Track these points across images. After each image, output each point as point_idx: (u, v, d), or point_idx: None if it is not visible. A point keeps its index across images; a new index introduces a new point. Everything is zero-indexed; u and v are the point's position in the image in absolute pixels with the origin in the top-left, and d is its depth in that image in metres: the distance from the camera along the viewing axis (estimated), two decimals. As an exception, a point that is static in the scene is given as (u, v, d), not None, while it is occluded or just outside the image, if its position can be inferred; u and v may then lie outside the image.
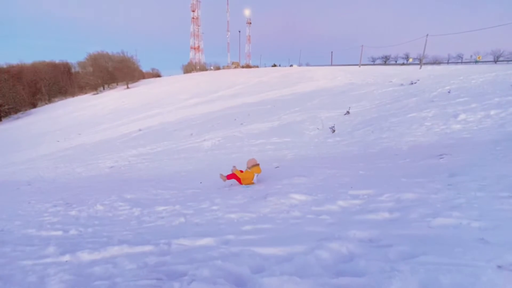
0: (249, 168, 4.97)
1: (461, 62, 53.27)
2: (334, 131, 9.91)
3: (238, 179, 5.11)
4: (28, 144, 23.19)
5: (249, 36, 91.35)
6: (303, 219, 2.89)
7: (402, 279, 1.56)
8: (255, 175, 5.02)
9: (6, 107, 51.87)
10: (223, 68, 75.35)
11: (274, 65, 75.71)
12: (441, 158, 4.84)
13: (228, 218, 3.31)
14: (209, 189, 5.50)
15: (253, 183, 5.06)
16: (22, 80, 59.30)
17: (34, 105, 58.51)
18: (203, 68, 76.77)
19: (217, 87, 35.06)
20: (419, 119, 8.65)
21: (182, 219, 3.53)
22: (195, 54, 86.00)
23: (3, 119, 50.46)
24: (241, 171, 5.12)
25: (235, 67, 74.96)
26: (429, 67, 31.39)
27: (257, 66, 76.08)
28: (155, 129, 18.56)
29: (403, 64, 54.29)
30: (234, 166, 5.34)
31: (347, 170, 4.96)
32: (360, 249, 2.04)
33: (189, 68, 76.12)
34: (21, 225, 4.67)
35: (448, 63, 53.97)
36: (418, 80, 17.33)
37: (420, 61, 35.73)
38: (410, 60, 58.31)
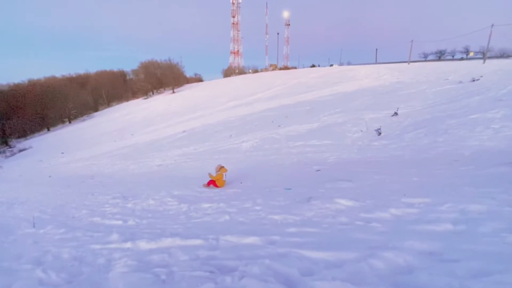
0: (218, 171, 6.27)
1: (538, 54, 45.24)
2: (380, 133, 9.27)
3: (214, 183, 6.19)
4: (91, 143, 26.47)
5: (288, 37, 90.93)
6: (351, 225, 2.77)
7: (476, 299, 1.39)
8: (224, 174, 6.24)
9: (74, 111, 60.08)
10: (261, 70, 76.20)
11: (313, 66, 73.94)
12: (515, 165, 4.19)
13: (272, 219, 3.33)
14: (250, 189, 5.61)
15: (224, 181, 6.25)
16: (87, 87, 68.11)
17: (96, 109, 66.68)
18: (241, 71, 78.71)
19: (255, 89, 35.61)
20: (484, 121, 7.61)
21: (227, 217, 3.66)
22: (234, 58, 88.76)
23: (72, 121, 58.53)
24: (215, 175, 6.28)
25: (272, 69, 75.25)
26: (495, 61, 27.40)
27: (295, 68, 75.14)
28: (197, 130, 19.60)
29: (461, 59, 48.20)
30: (209, 173, 6.44)
31: (398, 176, 4.60)
32: (420, 261, 1.88)
33: (229, 72, 78.73)
34: (88, 214, 5.36)
35: (519, 56, 46.36)
36: (481, 76, 15.27)
37: (484, 55, 31.40)
38: (471, 54, 51.51)
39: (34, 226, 4.54)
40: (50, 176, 13.67)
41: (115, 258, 2.64)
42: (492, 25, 30.61)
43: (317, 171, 6.32)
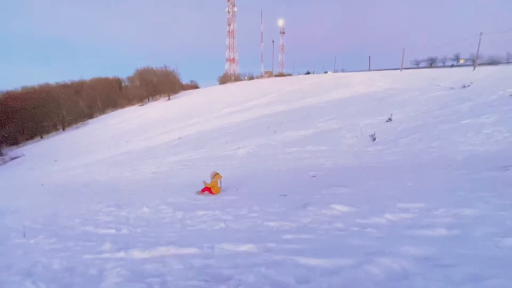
0: (212, 178, 6.25)
1: (525, 61, 46.66)
2: (374, 139, 9.36)
3: (209, 190, 6.21)
4: (85, 150, 26.11)
5: (283, 45, 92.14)
6: (347, 231, 2.76)
7: (472, 304, 1.39)
8: (218, 181, 6.26)
9: (69, 118, 59.47)
10: (257, 77, 76.74)
11: (308, 73, 74.81)
12: (506, 170, 4.26)
13: (268, 226, 3.30)
14: (245, 196, 5.58)
15: (220, 188, 6.27)
16: (82, 94, 67.69)
17: (91, 116, 66.07)
18: (237, 78, 79.10)
19: (251, 96, 35.76)
20: (476, 126, 7.75)
21: (223, 224, 3.62)
22: (230, 65, 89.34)
23: (66, 129, 57.83)
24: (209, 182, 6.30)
25: (268, 76, 75.85)
26: (485, 68, 28.12)
27: (290, 74, 75.91)
28: (193, 137, 19.51)
29: (452, 66, 49.43)
30: (204, 181, 6.44)
31: (393, 181, 4.63)
32: (415, 266, 1.87)
33: (225, 79, 78.95)
34: (80, 223, 5.24)
35: (507, 63, 47.74)
36: (472, 82, 15.63)
37: (474, 62, 32.22)
38: (462, 61, 52.86)
39: (24, 236, 4.42)
40: (42, 184, 13.39)
41: (107, 268, 2.57)
42: (481, 33, 31.57)
43: (313, 177, 6.33)
